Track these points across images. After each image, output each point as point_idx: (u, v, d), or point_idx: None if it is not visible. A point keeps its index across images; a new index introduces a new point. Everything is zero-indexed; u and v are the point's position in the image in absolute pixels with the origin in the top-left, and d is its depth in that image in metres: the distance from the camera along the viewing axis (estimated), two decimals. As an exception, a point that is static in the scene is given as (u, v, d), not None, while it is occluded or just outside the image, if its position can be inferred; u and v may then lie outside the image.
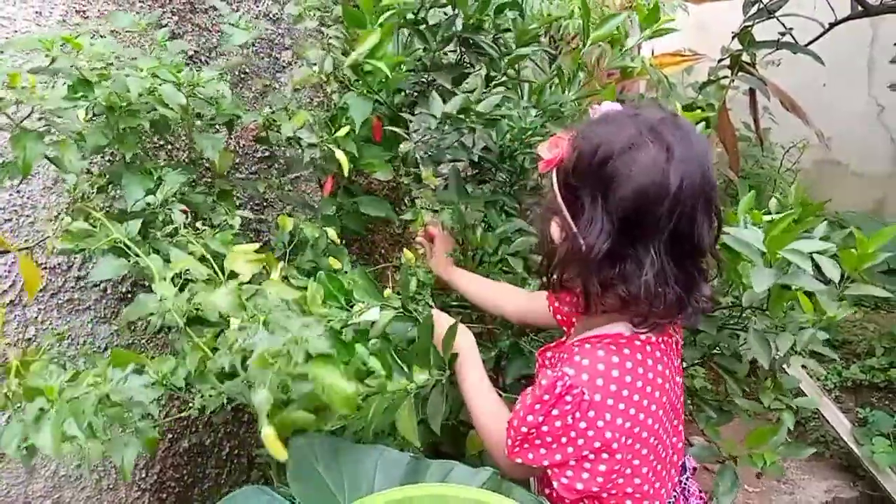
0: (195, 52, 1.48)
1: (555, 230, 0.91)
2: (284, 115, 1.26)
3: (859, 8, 2.26)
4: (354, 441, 0.98)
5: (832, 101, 3.61)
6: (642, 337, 0.91)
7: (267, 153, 1.60)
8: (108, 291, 1.40)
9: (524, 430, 0.88)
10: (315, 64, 1.23)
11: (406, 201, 1.61)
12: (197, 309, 0.89)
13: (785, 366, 1.15)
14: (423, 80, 1.42)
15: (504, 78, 1.39)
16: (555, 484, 0.88)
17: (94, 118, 1.10)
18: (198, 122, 1.23)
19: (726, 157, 2.38)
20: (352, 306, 1.05)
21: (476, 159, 1.46)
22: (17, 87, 0.95)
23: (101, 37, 1.27)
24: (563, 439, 0.86)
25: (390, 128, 1.31)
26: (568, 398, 0.85)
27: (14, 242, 1.27)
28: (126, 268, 1.02)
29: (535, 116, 1.34)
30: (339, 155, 1.18)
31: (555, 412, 0.86)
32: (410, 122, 1.34)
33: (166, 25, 1.43)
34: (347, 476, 0.84)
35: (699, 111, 1.26)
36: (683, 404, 1.01)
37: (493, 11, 1.35)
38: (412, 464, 0.86)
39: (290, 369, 0.78)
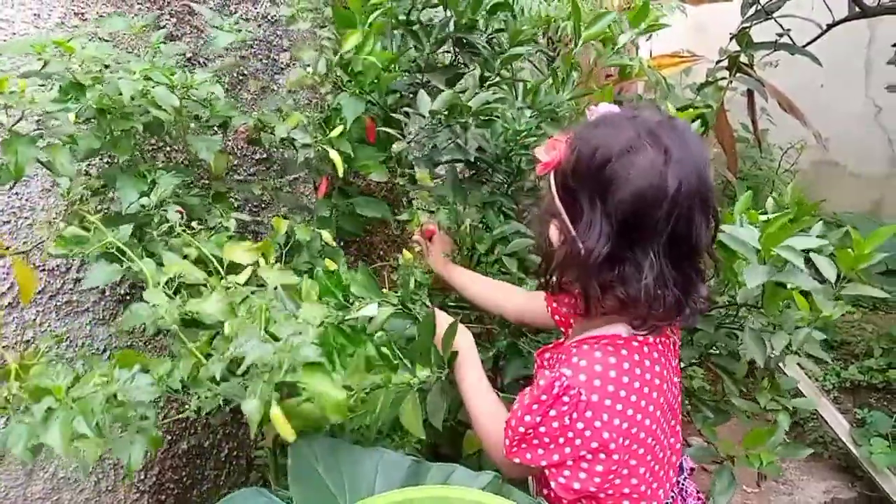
0: (193, 53, 1.48)
1: (553, 233, 0.92)
2: (277, 116, 1.26)
3: (857, 9, 2.26)
4: (354, 440, 0.98)
5: (830, 103, 3.62)
6: (640, 338, 0.91)
7: (264, 155, 1.60)
8: (107, 293, 1.40)
9: (522, 430, 0.89)
10: (308, 65, 1.23)
11: (404, 202, 1.62)
12: (189, 314, 0.89)
13: (781, 364, 1.15)
14: (418, 81, 1.42)
15: (497, 78, 1.39)
16: (552, 484, 0.88)
17: (86, 121, 1.10)
18: (192, 125, 1.23)
19: (724, 158, 2.38)
20: (350, 303, 1.05)
21: (472, 160, 1.46)
22: (4, 92, 0.95)
23: (101, 40, 1.28)
24: (561, 440, 0.86)
25: (384, 129, 1.31)
26: (565, 399, 0.85)
27: (13, 245, 1.27)
28: (119, 273, 1.02)
29: (531, 117, 1.34)
30: (334, 155, 1.18)
31: (552, 412, 0.86)
32: (405, 123, 1.34)
33: (164, 27, 1.43)
34: (348, 478, 0.84)
35: (691, 110, 1.26)
36: (681, 405, 1.01)
37: (487, 12, 1.35)
38: (413, 466, 0.86)
39: (280, 378, 0.78)
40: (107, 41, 1.31)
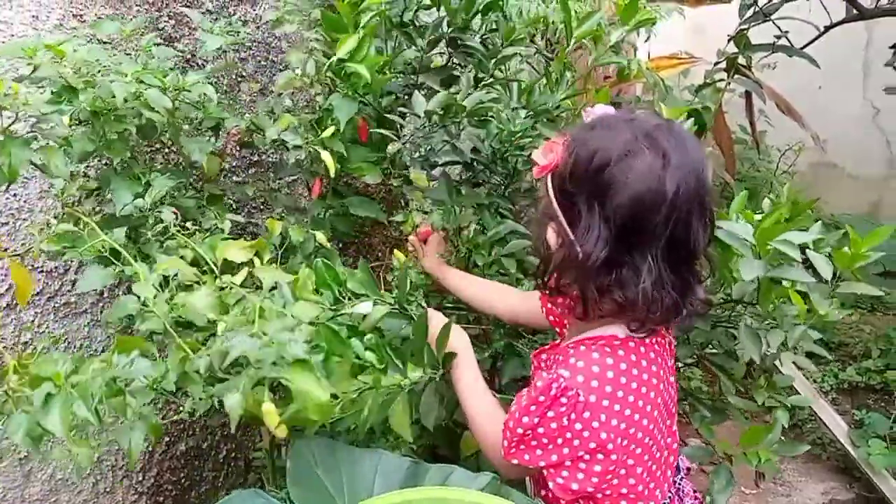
0: (192, 55, 1.49)
1: (551, 236, 0.92)
2: (268, 118, 1.26)
3: (854, 11, 2.27)
4: (348, 440, 0.98)
5: (827, 104, 3.62)
6: (636, 338, 0.92)
7: (258, 158, 1.60)
8: (105, 295, 1.40)
9: (520, 431, 0.89)
10: (297, 68, 1.23)
11: (402, 204, 1.62)
12: (183, 312, 0.89)
13: (777, 363, 1.15)
14: (413, 82, 1.43)
15: (491, 79, 1.39)
16: (550, 484, 0.88)
17: (79, 124, 1.10)
18: (185, 127, 1.23)
19: (722, 160, 2.39)
20: (346, 300, 1.05)
21: (469, 161, 1.46)
22: (-1, 94, 0.96)
23: (100, 42, 1.28)
24: (559, 440, 0.87)
25: (378, 130, 1.31)
26: (563, 399, 0.86)
27: (11, 246, 1.27)
28: (113, 276, 1.03)
29: (525, 118, 1.34)
30: (325, 156, 1.18)
31: (550, 413, 0.86)
32: (401, 125, 1.34)
33: (163, 29, 1.44)
34: (346, 479, 0.84)
35: (683, 107, 1.26)
36: (677, 404, 1.02)
37: (480, 12, 1.35)
38: (411, 468, 0.86)
39: (265, 374, 0.78)
40: (106, 43, 1.31)
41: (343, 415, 0.89)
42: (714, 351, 1.27)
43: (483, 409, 1.03)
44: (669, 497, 0.99)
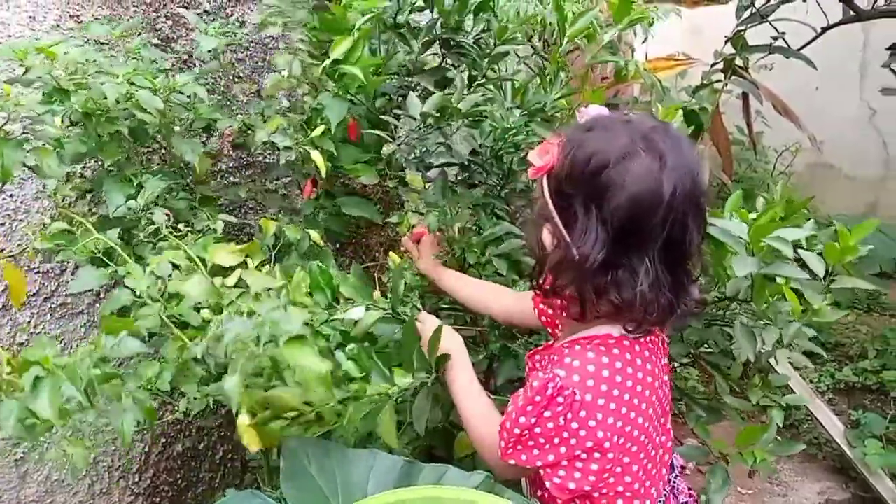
0: (188, 55, 1.48)
1: (546, 237, 0.92)
2: (261, 119, 1.26)
3: (851, 13, 2.27)
4: (343, 441, 0.98)
5: (824, 105, 3.63)
6: (631, 337, 0.92)
7: (252, 159, 1.60)
8: (101, 296, 1.40)
9: (517, 431, 0.89)
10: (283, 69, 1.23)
11: (399, 205, 1.62)
12: (178, 310, 0.89)
13: (774, 362, 1.16)
14: (407, 84, 1.43)
15: (484, 79, 1.39)
16: (547, 484, 0.88)
17: (71, 126, 1.10)
18: (177, 128, 1.24)
19: (720, 161, 2.39)
20: (338, 304, 1.05)
21: (465, 162, 1.46)
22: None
23: (98, 43, 1.28)
24: (556, 440, 0.87)
25: (373, 131, 1.31)
26: (560, 399, 0.86)
27: (7, 247, 1.27)
28: (107, 277, 1.03)
29: (519, 116, 1.34)
30: (315, 155, 1.18)
31: (547, 413, 0.86)
32: (396, 126, 1.34)
33: (160, 30, 1.44)
34: (341, 479, 0.84)
35: (676, 105, 1.26)
36: (672, 403, 1.02)
37: (473, 13, 1.35)
38: (405, 468, 0.86)
39: (261, 352, 0.78)
40: (104, 44, 1.31)
41: (327, 426, 0.89)
42: (709, 350, 1.27)
43: (478, 411, 1.03)
44: (664, 495, 0.99)
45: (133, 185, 1.14)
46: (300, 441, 0.88)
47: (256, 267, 1.00)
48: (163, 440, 1.54)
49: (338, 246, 1.75)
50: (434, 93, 1.27)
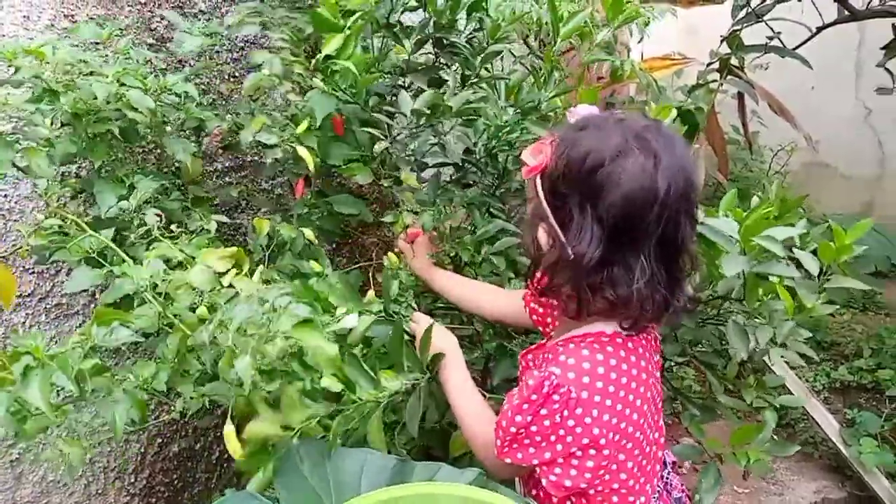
0: (184, 55, 1.48)
1: (542, 236, 0.92)
2: (249, 119, 1.26)
3: (846, 12, 2.28)
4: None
5: (820, 105, 3.64)
6: (624, 334, 0.93)
7: (246, 158, 1.60)
8: (96, 296, 1.40)
9: (513, 430, 0.89)
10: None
11: (395, 204, 1.62)
12: (176, 309, 0.89)
13: (769, 362, 1.16)
14: (401, 84, 1.43)
15: (477, 78, 1.40)
16: (543, 482, 0.89)
17: (62, 126, 1.10)
18: (168, 128, 1.24)
19: (715, 160, 2.39)
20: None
21: (459, 162, 1.46)
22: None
23: (95, 43, 1.28)
24: (552, 437, 0.87)
25: (365, 129, 1.31)
26: (556, 397, 0.86)
27: (1, 247, 1.26)
28: (101, 277, 1.03)
29: (512, 115, 1.35)
30: (302, 151, 1.18)
31: (543, 411, 0.87)
32: (389, 125, 1.34)
33: (155, 30, 1.43)
34: (333, 479, 0.84)
35: (670, 104, 1.27)
36: (664, 401, 1.03)
37: (466, 11, 1.35)
38: (398, 466, 0.86)
39: (271, 335, 0.78)
40: (97, 44, 1.31)
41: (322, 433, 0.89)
42: (703, 349, 1.28)
43: (472, 410, 1.04)
44: (658, 491, 1.00)
45: (125, 185, 1.13)
46: (293, 441, 0.88)
47: (250, 269, 1.00)
48: (159, 440, 1.54)
49: (334, 246, 1.75)
50: (426, 91, 1.28)
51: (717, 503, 2.32)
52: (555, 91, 1.38)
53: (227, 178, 1.57)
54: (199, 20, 1.49)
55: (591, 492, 0.91)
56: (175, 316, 0.90)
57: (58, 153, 1.08)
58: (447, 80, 1.42)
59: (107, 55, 1.22)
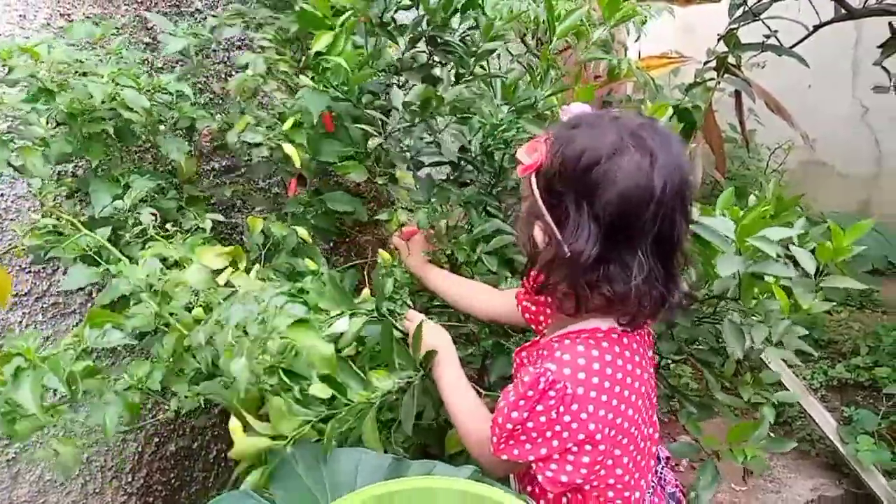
0: (181, 54, 1.48)
1: (538, 234, 0.92)
2: (242, 119, 1.26)
3: (843, 11, 2.28)
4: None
5: (817, 103, 3.64)
6: (619, 330, 0.93)
7: (238, 158, 1.60)
8: (94, 295, 1.39)
9: (509, 426, 0.90)
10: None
11: (392, 203, 1.62)
12: (172, 308, 0.89)
13: (766, 359, 1.16)
14: (395, 83, 1.43)
15: (471, 77, 1.39)
16: (539, 478, 0.89)
17: (58, 126, 1.10)
18: (161, 127, 1.23)
19: (713, 159, 2.39)
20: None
21: (455, 160, 1.46)
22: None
23: (91, 43, 1.27)
24: (549, 433, 0.88)
25: (358, 125, 1.31)
26: (551, 393, 0.87)
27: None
28: (97, 275, 1.02)
29: (507, 112, 1.35)
30: (289, 149, 1.18)
31: (539, 407, 0.87)
32: (384, 122, 1.34)
33: (151, 29, 1.43)
34: (328, 479, 0.84)
35: (666, 103, 1.27)
36: (657, 397, 1.03)
37: (459, 10, 1.35)
38: (393, 465, 0.86)
39: (267, 335, 0.78)
40: (94, 43, 1.31)
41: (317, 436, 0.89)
42: (700, 347, 1.28)
43: (466, 407, 1.04)
44: (653, 486, 1.00)
45: (120, 185, 1.13)
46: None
47: (245, 268, 1.00)
48: (156, 440, 1.54)
49: (332, 244, 1.75)
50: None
51: (714, 501, 2.34)
52: (551, 89, 1.38)
53: (223, 178, 1.57)
54: (196, 19, 1.49)
55: (587, 487, 0.91)
56: (172, 315, 0.89)
57: (53, 152, 1.08)
58: (442, 79, 1.42)
59: (103, 55, 1.22)
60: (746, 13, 2.11)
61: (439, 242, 1.34)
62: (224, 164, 1.57)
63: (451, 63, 1.42)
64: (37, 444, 1.31)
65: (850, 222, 1.05)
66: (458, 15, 1.37)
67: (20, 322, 1.31)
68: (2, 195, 1.26)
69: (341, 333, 0.98)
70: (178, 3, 1.47)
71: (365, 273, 1.44)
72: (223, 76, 1.56)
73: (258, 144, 1.18)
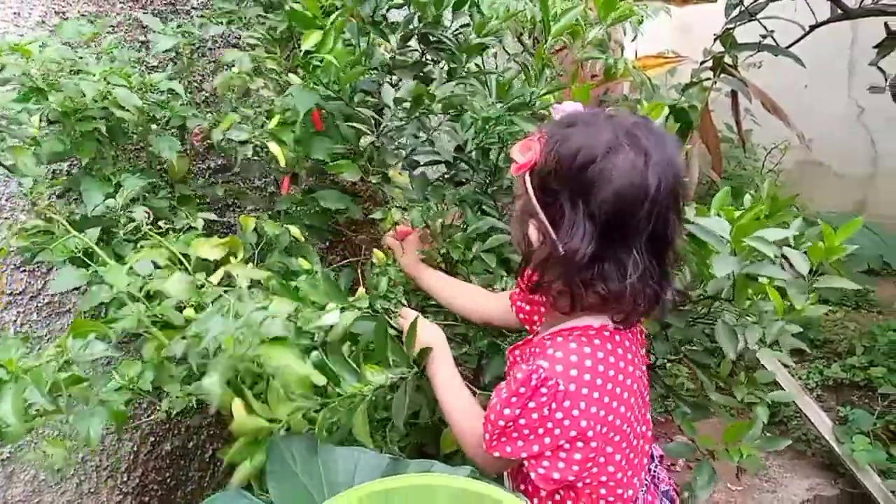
0: (176, 53, 1.47)
1: (532, 233, 0.92)
2: (227, 117, 1.25)
3: (839, 11, 2.28)
4: (332, 440, 0.97)
5: (813, 103, 3.65)
6: (611, 328, 0.94)
7: (232, 157, 1.60)
8: (88, 294, 1.39)
9: (501, 423, 0.90)
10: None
11: (387, 202, 1.62)
12: (161, 310, 0.89)
13: (759, 357, 1.16)
14: (389, 82, 1.43)
15: (465, 73, 1.39)
16: (531, 475, 0.89)
17: (49, 124, 1.09)
18: (153, 126, 1.23)
19: (709, 158, 2.40)
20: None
21: (450, 159, 1.46)
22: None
23: (85, 42, 1.27)
24: (540, 430, 0.88)
25: (350, 124, 1.30)
26: (543, 390, 0.87)
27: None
28: (86, 277, 1.02)
29: (500, 109, 1.35)
30: (273, 148, 1.18)
31: (531, 404, 0.87)
32: (377, 121, 1.34)
33: (146, 27, 1.43)
34: (326, 479, 0.84)
35: (661, 102, 1.27)
36: (650, 393, 1.03)
37: (452, 7, 1.35)
38: (391, 465, 0.86)
39: (242, 353, 0.78)
40: (90, 40, 1.30)
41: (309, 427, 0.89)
42: (694, 348, 1.28)
43: (460, 405, 1.04)
44: (646, 484, 1.01)
45: (112, 184, 1.13)
46: (286, 440, 0.88)
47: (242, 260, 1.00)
48: (151, 439, 1.53)
49: (328, 244, 1.75)
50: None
51: (710, 500, 2.34)
52: (546, 88, 1.38)
53: (217, 177, 1.57)
54: (191, 17, 1.48)
55: (580, 485, 0.91)
56: (161, 315, 0.89)
57: (44, 151, 1.08)
58: (434, 77, 1.42)
59: (97, 53, 1.22)
60: (743, 13, 2.12)
61: (435, 241, 1.34)
62: (219, 163, 1.57)
63: (444, 61, 1.41)
64: (31, 443, 1.30)
65: (845, 223, 1.06)
66: (451, 13, 1.37)
67: (15, 321, 1.30)
68: (-3, 194, 1.26)
69: (331, 327, 0.97)
70: (173, 2, 1.46)
71: (360, 273, 1.44)
72: (216, 75, 1.56)
73: (245, 143, 1.18)
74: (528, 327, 1.18)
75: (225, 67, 1.28)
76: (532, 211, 0.90)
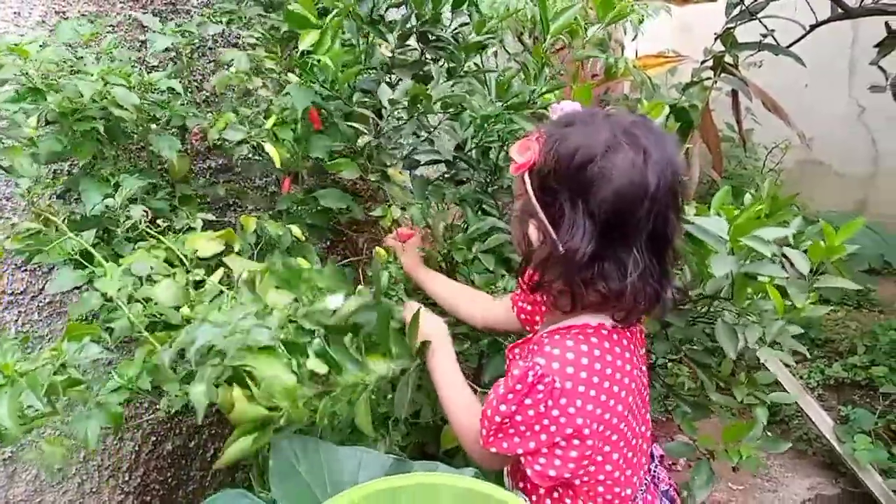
0: (177, 52, 1.47)
1: (532, 232, 0.92)
2: (224, 116, 1.25)
3: (840, 10, 2.28)
4: (334, 439, 0.97)
5: (813, 103, 3.65)
6: (609, 326, 0.93)
7: (232, 157, 1.60)
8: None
9: (498, 419, 0.90)
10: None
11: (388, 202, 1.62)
12: (157, 310, 0.88)
13: (762, 359, 1.16)
14: (388, 81, 1.42)
15: (464, 73, 1.39)
16: (528, 472, 0.89)
17: (48, 124, 1.09)
18: (153, 126, 1.23)
19: (710, 158, 2.40)
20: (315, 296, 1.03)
21: (451, 159, 1.46)
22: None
23: (84, 42, 1.27)
24: (537, 427, 0.88)
25: (349, 123, 1.30)
26: (540, 387, 0.87)
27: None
28: (84, 277, 1.02)
29: (498, 107, 1.35)
30: (269, 148, 1.18)
31: (528, 401, 0.88)
32: (377, 121, 1.34)
33: (146, 27, 1.43)
34: (329, 479, 0.84)
35: (661, 102, 1.27)
36: (650, 393, 1.03)
37: (451, 5, 1.35)
38: (394, 465, 0.86)
39: (228, 362, 0.77)
40: (89, 40, 1.30)
41: (299, 425, 0.88)
42: (694, 347, 1.28)
43: (460, 401, 1.04)
44: (645, 483, 1.00)
45: (110, 184, 1.13)
46: (289, 440, 0.87)
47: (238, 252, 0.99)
48: (153, 439, 1.53)
49: (328, 244, 1.75)
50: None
51: (711, 500, 2.34)
52: (546, 87, 1.38)
53: (218, 177, 1.57)
54: (191, 16, 1.48)
55: (577, 483, 0.92)
56: (159, 315, 0.89)
57: (42, 152, 1.07)
58: (433, 76, 1.42)
59: (96, 53, 1.22)
60: (743, 12, 2.11)
61: (436, 243, 1.34)
62: (220, 162, 1.57)
63: (443, 60, 1.41)
64: (33, 443, 1.30)
65: (845, 222, 1.05)
66: (450, 12, 1.37)
67: (16, 321, 1.31)
68: (-4, 193, 1.26)
69: (334, 312, 0.97)
70: (173, 2, 1.46)
71: (361, 272, 1.44)
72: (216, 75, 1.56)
73: (242, 142, 1.18)
74: (528, 328, 1.18)
75: (224, 67, 1.28)
76: (532, 211, 0.90)
